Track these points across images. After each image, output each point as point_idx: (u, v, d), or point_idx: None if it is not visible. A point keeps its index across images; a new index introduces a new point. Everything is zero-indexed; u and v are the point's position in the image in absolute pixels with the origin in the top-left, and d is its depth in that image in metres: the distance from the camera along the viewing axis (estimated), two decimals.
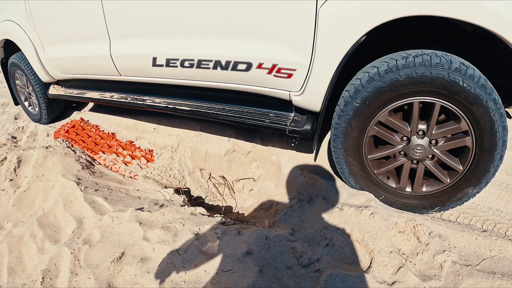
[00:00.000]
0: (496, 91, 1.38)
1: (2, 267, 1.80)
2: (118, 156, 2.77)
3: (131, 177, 2.52)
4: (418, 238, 1.53)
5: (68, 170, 2.41)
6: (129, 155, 2.74)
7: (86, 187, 2.18)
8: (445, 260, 1.42)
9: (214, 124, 2.64)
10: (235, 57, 1.76)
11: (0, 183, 2.51)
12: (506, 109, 2.02)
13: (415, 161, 1.65)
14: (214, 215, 1.85)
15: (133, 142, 2.98)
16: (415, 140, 1.58)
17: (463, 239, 1.55)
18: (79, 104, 4.04)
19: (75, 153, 2.75)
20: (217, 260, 1.47)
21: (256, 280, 1.33)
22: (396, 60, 1.44)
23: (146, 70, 2.19)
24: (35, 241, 1.87)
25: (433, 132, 1.54)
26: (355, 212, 1.59)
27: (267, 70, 1.70)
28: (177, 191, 2.24)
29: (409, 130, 1.57)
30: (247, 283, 1.32)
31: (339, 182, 1.89)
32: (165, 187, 2.31)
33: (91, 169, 2.54)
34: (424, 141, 1.57)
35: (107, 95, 2.74)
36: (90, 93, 2.91)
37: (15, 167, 2.60)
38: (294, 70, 1.63)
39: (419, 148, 1.57)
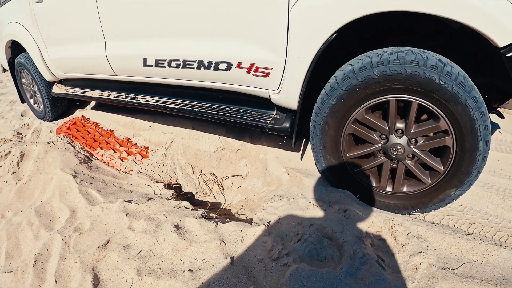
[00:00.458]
0: (476, 89, 1.37)
1: (0, 252, 1.99)
2: (115, 152, 2.95)
3: (126, 172, 2.70)
4: (395, 238, 1.55)
5: (66, 164, 2.60)
6: (126, 151, 2.92)
7: (82, 180, 2.36)
8: (421, 262, 1.43)
9: (206, 123, 2.79)
10: (216, 57, 1.90)
11: (3, 175, 2.71)
12: (498, 108, 2.00)
13: (395, 161, 1.67)
14: (198, 209, 1.99)
15: (130, 139, 3.16)
16: (394, 139, 1.60)
17: (443, 242, 1.54)
18: (82, 103, 4.26)
19: (75, 148, 2.94)
20: (193, 250, 1.60)
21: (226, 270, 1.45)
22: (371, 57, 1.46)
23: (138, 70, 2.37)
24: (32, 228, 2.05)
25: (411, 131, 1.55)
26: (329, 209, 1.68)
27: (246, 69, 1.82)
28: (167, 186, 2.40)
29: (387, 128, 1.59)
30: (217, 272, 1.44)
31: (320, 180, 2.00)
32: (157, 182, 2.46)
33: (88, 163, 2.72)
34: (403, 140, 1.58)
35: (104, 94, 2.93)
36: (89, 91, 3.12)
37: (18, 160, 2.81)
38: (271, 69, 1.74)
39: (397, 147, 1.59)
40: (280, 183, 2.17)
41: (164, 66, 2.15)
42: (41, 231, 2.01)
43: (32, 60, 3.53)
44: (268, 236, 1.59)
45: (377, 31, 1.84)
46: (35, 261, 1.73)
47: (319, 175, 2.07)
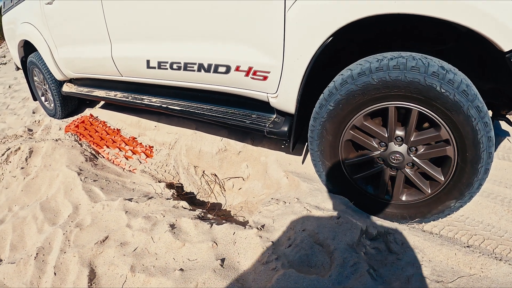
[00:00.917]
0: (480, 98, 1.34)
1: (6, 244, 2.12)
2: (120, 150, 3.07)
3: (130, 170, 2.80)
4: (389, 248, 1.56)
5: (73, 161, 2.72)
6: (131, 150, 3.03)
7: (86, 178, 2.48)
8: (414, 273, 1.42)
9: (209, 124, 2.88)
10: (215, 60, 1.97)
11: (12, 171, 2.86)
12: (507, 115, 1.97)
13: (394, 169, 1.65)
14: (195, 210, 2.07)
15: (135, 138, 3.28)
16: (393, 146, 1.59)
17: (440, 253, 1.52)
18: (92, 102, 4.43)
19: (81, 146, 3.08)
20: (186, 249, 1.68)
21: (215, 271, 1.50)
22: (370, 63, 1.45)
23: (142, 71, 2.48)
24: (36, 222, 2.17)
25: (411, 139, 1.53)
26: (323, 215, 1.71)
27: (244, 73, 1.89)
28: (169, 185, 2.49)
29: (387, 136, 1.58)
30: (207, 273, 1.50)
31: (318, 185, 2.04)
32: (159, 182, 2.56)
33: (94, 161, 2.84)
34: (402, 148, 1.57)
35: (111, 94, 3.06)
36: (97, 91, 3.26)
37: (27, 156, 2.95)
38: (269, 72, 1.80)
39: (397, 155, 1.58)
40: (279, 186, 2.23)
41: (166, 68, 2.25)
42: (45, 225, 2.12)
43: (43, 60, 3.71)
44: (260, 239, 1.65)
45: (384, 35, 1.83)
46: (37, 253, 1.85)
47: (317, 180, 2.11)
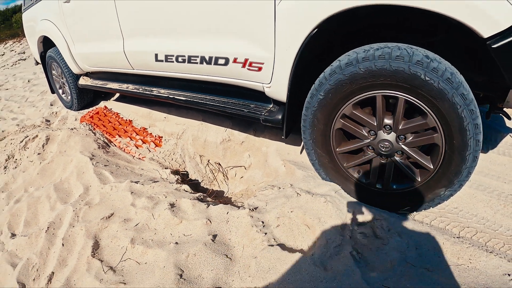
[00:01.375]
0: (465, 86, 1.39)
1: (20, 220, 2.35)
2: (131, 140, 3.28)
3: (139, 158, 3.01)
4: (375, 233, 1.62)
5: (86, 148, 2.95)
6: (141, 139, 3.24)
7: (98, 163, 2.69)
8: (397, 258, 1.47)
9: (215, 115, 3.05)
10: (215, 53, 2.15)
11: (29, 156, 3.11)
12: (505, 109, 2.03)
13: (384, 157, 1.71)
14: (195, 193, 2.24)
15: (146, 128, 3.49)
16: (382, 134, 1.65)
17: (428, 241, 1.56)
18: (107, 94, 4.70)
19: (95, 135, 3.31)
20: (182, 226, 1.85)
21: (206, 245, 1.66)
22: (357, 53, 1.53)
23: (151, 64, 2.69)
24: (49, 201, 2.39)
25: (399, 127, 1.59)
26: (311, 198, 1.83)
27: (241, 64, 2.05)
28: (174, 172, 2.67)
29: (375, 124, 1.64)
30: (199, 246, 1.66)
31: (312, 173, 2.18)
32: (165, 168, 2.74)
33: (106, 149, 3.06)
34: (391, 136, 1.63)
35: (124, 86, 3.30)
36: (111, 84, 3.52)
37: (44, 143, 3.20)
38: (263, 63, 1.95)
39: (386, 143, 1.64)
40: (277, 175, 2.37)
41: (173, 61, 2.45)
42: (57, 204, 2.34)
43: (61, 54, 4.01)
44: (251, 219, 1.79)
45: (379, 27, 1.91)
46: (48, 227, 2.06)
47: (312, 168, 2.23)
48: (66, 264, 1.85)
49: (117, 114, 3.93)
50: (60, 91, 4.68)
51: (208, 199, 2.21)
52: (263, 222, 1.78)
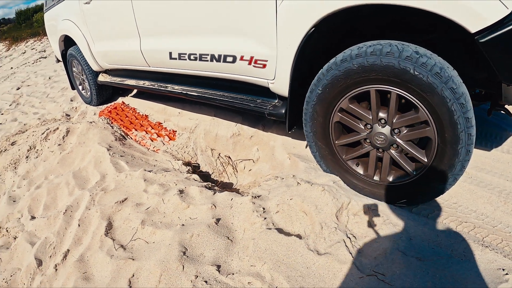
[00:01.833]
0: (455, 81, 1.46)
1: (40, 204, 2.59)
2: (147, 133, 3.50)
3: (153, 150, 3.23)
4: (370, 223, 1.71)
5: (104, 139, 3.18)
6: (156, 133, 3.45)
7: (114, 153, 2.91)
8: (390, 247, 1.54)
9: (226, 111, 3.24)
10: (224, 51, 2.34)
11: (50, 146, 3.38)
12: (507, 106, 2.11)
13: (380, 150, 1.81)
14: (204, 182, 2.42)
15: (161, 123, 3.71)
16: (377, 128, 1.76)
17: (422, 233, 1.62)
18: (124, 91, 4.97)
19: (113, 128, 3.55)
20: (189, 210, 2.04)
21: (209, 227, 1.83)
22: (351, 50, 1.66)
23: (165, 62, 2.93)
24: (68, 187, 2.62)
25: (393, 121, 1.69)
26: (309, 187, 1.97)
27: (247, 62, 2.22)
28: (186, 163, 2.86)
29: (371, 118, 1.75)
30: (203, 228, 1.83)
31: (314, 165, 2.34)
32: (178, 160, 2.94)
33: (122, 141, 3.29)
34: (386, 130, 1.73)
35: (141, 83, 3.56)
36: (128, 80, 3.79)
37: (64, 135, 3.46)
38: (267, 61, 2.12)
39: (381, 136, 1.74)
40: (283, 167, 2.53)
41: (185, 59, 2.66)
42: (75, 189, 2.56)
43: (81, 52, 4.32)
44: (253, 205, 1.95)
45: (382, 26, 2.01)
46: (65, 210, 2.28)
47: (313, 160, 2.39)
48: (81, 242, 2.06)
49: (134, 109, 4.18)
50: (80, 87, 4.99)
51: (215, 187, 2.38)
52: (264, 208, 1.94)
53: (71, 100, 5.50)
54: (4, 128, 5.41)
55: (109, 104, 4.63)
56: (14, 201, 2.92)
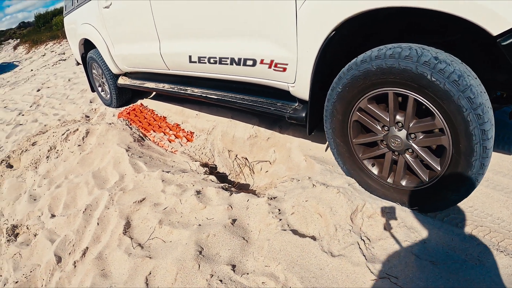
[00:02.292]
0: (474, 91, 1.44)
1: (60, 203, 2.72)
2: (165, 135, 3.61)
3: (171, 151, 3.34)
4: (384, 225, 1.73)
5: (123, 141, 3.31)
6: (174, 134, 3.57)
7: (133, 154, 3.03)
8: (404, 250, 1.55)
9: (243, 113, 3.32)
10: (244, 54, 2.40)
11: (70, 147, 3.52)
12: None
13: (396, 153, 1.83)
14: (221, 183, 2.50)
15: (179, 125, 3.83)
16: (393, 131, 1.78)
17: (437, 237, 1.62)
18: (143, 93, 5.12)
19: (131, 129, 3.67)
20: (206, 211, 2.11)
21: (225, 227, 1.90)
22: (372, 52, 1.69)
23: (185, 65, 3.02)
24: (87, 187, 2.74)
25: (410, 125, 1.69)
26: (325, 189, 2.02)
27: (267, 65, 2.28)
28: (203, 165, 2.95)
29: (388, 120, 1.77)
30: (219, 228, 1.90)
31: (329, 167, 2.38)
32: (195, 161, 3.03)
33: (141, 142, 3.41)
34: (402, 133, 1.75)
35: (160, 85, 3.70)
36: (148, 83, 3.93)
37: (83, 136, 3.60)
38: (287, 64, 2.17)
39: (397, 139, 1.76)
40: (299, 169, 2.58)
41: (205, 62, 2.75)
42: (95, 189, 2.68)
43: (101, 56, 4.49)
44: (269, 207, 2.01)
45: (403, 28, 2.02)
46: (85, 209, 2.39)
47: (330, 162, 2.45)
48: (99, 240, 2.16)
49: (152, 111, 4.31)
50: (100, 89, 5.17)
51: (232, 188, 2.45)
52: (279, 210, 2.00)
53: (90, 102, 5.70)
54: (25, 129, 5.64)
55: (128, 106, 4.78)
56: (34, 200, 3.07)
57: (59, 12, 25.27)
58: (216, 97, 2.89)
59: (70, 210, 2.61)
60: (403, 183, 1.87)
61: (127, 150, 3.06)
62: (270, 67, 2.28)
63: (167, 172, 2.63)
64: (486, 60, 1.86)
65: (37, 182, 3.32)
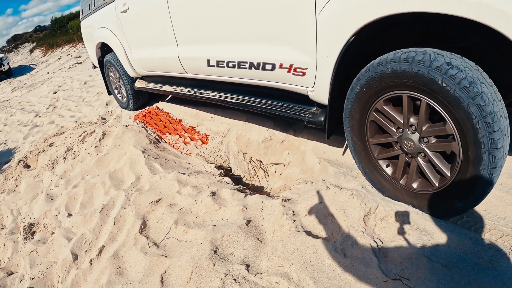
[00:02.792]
0: (485, 98, 1.44)
1: (77, 203, 2.83)
2: (180, 137, 3.71)
3: (187, 154, 3.43)
4: (397, 228, 1.76)
5: (139, 142, 3.41)
6: (189, 137, 3.66)
7: (149, 156, 3.13)
8: (416, 252, 1.58)
9: (257, 116, 3.39)
10: (263, 59, 2.46)
11: (87, 148, 3.64)
12: None
13: (409, 155, 1.86)
14: (235, 185, 2.57)
15: (194, 127, 3.93)
16: (407, 133, 1.80)
17: (449, 240, 1.63)
18: (160, 96, 5.23)
19: (147, 132, 3.78)
20: (221, 212, 2.19)
21: (240, 228, 1.97)
22: (388, 55, 1.72)
23: (203, 69, 3.10)
24: (104, 187, 2.84)
25: (422, 129, 1.72)
26: (338, 191, 2.08)
27: (286, 70, 2.33)
28: (218, 167, 3.03)
29: (402, 122, 1.80)
30: (234, 229, 1.97)
31: (343, 170, 2.43)
32: (210, 163, 3.11)
33: (156, 144, 3.52)
34: (415, 137, 1.77)
35: (177, 89, 3.79)
36: (165, 86, 4.04)
37: (100, 138, 3.72)
38: (306, 69, 2.22)
39: (410, 142, 1.79)
40: (313, 171, 2.64)
41: (224, 67, 2.82)
42: (111, 189, 2.78)
43: (118, 59, 4.62)
44: (283, 208, 2.07)
45: (422, 33, 2.07)
46: (101, 208, 2.49)
47: (343, 165, 2.50)
48: (116, 239, 2.25)
49: (168, 113, 4.42)
50: (116, 91, 5.31)
51: (247, 190, 2.52)
52: (293, 211, 2.06)
53: (107, 104, 5.86)
54: (42, 130, 5.84)
55: (144, 109, 4.90)
56: (51, 199, 3.18)
57: (74, 16, 25.89)
58: (234, 100, 2.97)
59: (87, 209, 2.72)
60: (415, 186, 1.90)
61: (143, 152, 3.16)
62: (289, 71, 2.33)
63: (182, 173, 2.71)
64: (504, 63, 1.87)
65: (54, 182, 3.45)
